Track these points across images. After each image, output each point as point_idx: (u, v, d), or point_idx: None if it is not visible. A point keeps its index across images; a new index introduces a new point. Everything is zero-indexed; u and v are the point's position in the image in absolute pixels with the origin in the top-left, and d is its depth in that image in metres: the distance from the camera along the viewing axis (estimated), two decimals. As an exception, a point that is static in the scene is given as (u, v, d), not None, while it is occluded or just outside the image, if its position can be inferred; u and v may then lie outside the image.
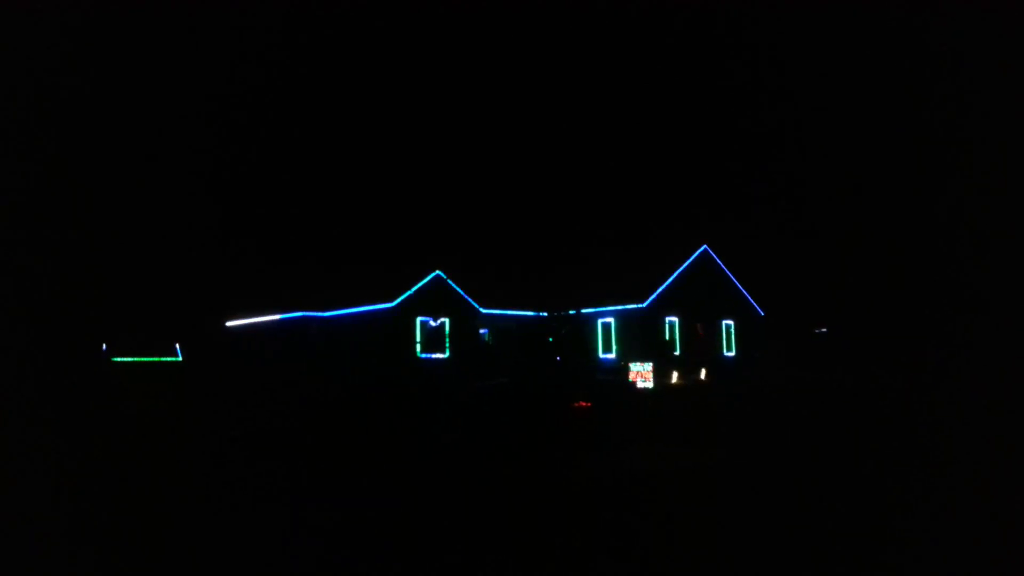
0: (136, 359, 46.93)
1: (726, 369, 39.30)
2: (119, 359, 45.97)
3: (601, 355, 38.98)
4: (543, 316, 36.50)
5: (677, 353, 38.59)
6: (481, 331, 38.89)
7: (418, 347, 36.22)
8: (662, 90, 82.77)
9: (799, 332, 46.53)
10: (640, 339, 37.06)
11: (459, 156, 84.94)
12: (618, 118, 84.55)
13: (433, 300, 36.76)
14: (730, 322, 42.54)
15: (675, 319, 39.56)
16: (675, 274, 39.59)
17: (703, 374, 37.50)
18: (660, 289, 38.65)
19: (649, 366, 26.89)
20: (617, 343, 38.73)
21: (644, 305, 37.79)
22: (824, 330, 47.63)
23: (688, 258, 40.66)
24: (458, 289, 37.66)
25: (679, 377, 36.31)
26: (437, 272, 37.20)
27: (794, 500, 12.38)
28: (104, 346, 47.22)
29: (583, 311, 36.72)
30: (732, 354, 41.37)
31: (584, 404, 23.15)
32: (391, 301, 35.63)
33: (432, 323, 36.65)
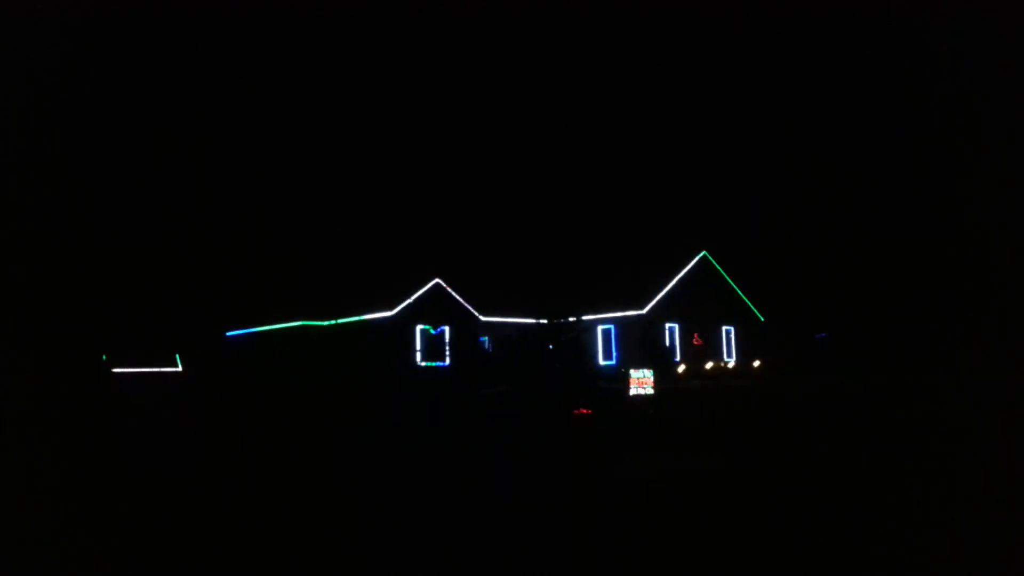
0: (136, 370, 46.89)
1: (726, 376, 39.27)
2: (119, 370, 45.94)
3: (601, 362, 38.97)
4: (543, 324, 36.50)
5: (677, 359, 38.58)
6: (481, 339, 38.88)
7: (418, 355, 36.21)
8: (661, 95, 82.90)
9: (799, 338, 46.50)
10: (640, 346, 37.04)
11: (459, 164, 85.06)
12: (617, 125, 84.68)
13: (433, 308, 36.76)
14: (730, 328, 42.54)
15: (675, 326, 39.56)
16: (674, 280, 39.60)
17: (702, 381, 37.48)
18: (659, 296, 38.66)
19: (649, 373, 26.88)
20: (617, 350, 38.72)
21: (644, 312, 37.80)
22: (824, 335, 47.59)
23: (687, 264, 40.67)
24: (458, 297, 37.66)
25: (679, 383, 36.28)
26: (436, 280, 37.21)
27: (790, 505, 12.36)
28: (104, 357, 47.20)
29: (583, 318, 36.71)
30: (733, 360, 41.34)
31: (585, 412, 23.16)
32: (391, 309, 35.63)
33: (432, 331, 36.65)
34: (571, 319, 34.47)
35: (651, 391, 26.65)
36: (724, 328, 42.24)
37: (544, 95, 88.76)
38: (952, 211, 49.48)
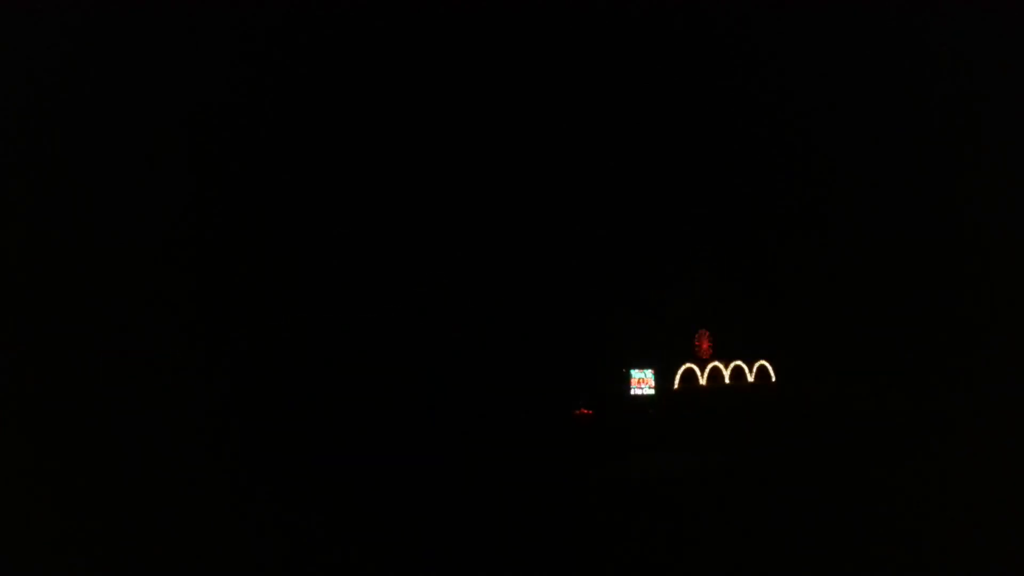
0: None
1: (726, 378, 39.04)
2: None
3: (603, 363, 38.77)
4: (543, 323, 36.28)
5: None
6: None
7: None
8: (660, 98, 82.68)
9: (800, 341, 46.13)
10: (642, 347, 36.85)
11: (458, 164, 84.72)
12: (617, 125, 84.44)
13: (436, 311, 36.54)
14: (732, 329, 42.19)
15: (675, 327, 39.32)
16: (674, 281, 39.38)
17: (703, 381, 37.30)
18: (659, 296, 38.44)
19: (650, 373, 26.82)
20: (618, 351, 38.50)
21: (644, 312, 37.60)
22: (828, 335, 47.19)
23: (687, 265, 40.42)
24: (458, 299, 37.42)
25: (679, 384, 36.13)
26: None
27: (789, 505, 12.32)
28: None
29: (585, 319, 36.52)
30: (735, 362, 41.09)
31: (586, 411, 23.12)
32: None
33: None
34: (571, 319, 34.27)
35: (651, 391, 26.60)
36: (726, 329, 41.90)
37: (544, 97, 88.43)
38: (953, 212, 49.15)
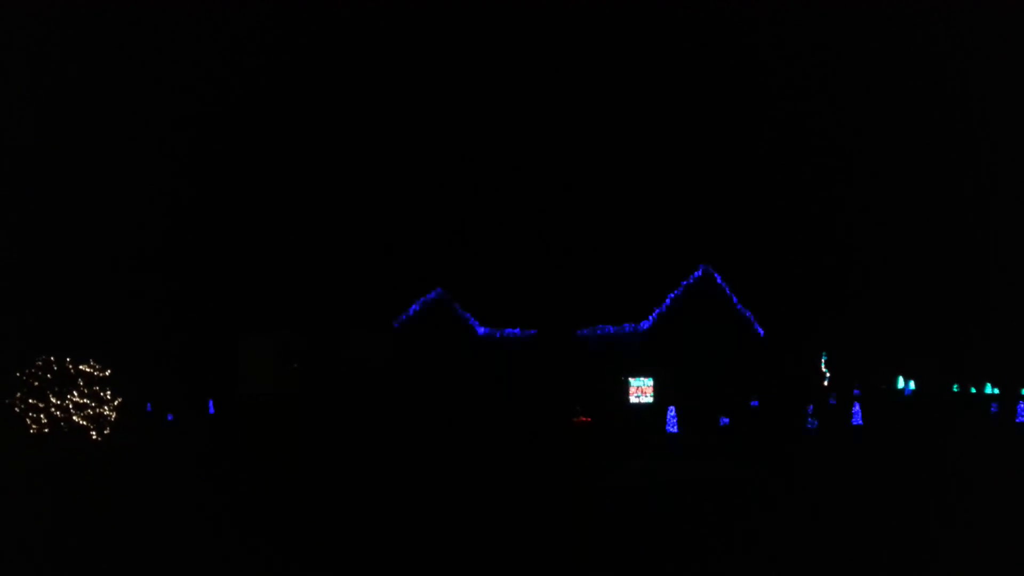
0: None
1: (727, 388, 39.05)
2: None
3: (602, 372, 38.83)
4: (545, 334, 36.39)
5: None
6: (481, 350, 38.68)
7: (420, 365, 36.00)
8: (660, 104, 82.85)
9: (801, 352, 46.14)
10: (640, 356, 36.93)
11: (456, 169, 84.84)
12: (617, 135, 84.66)
13: (431, 319, 36.54)
14: (731, 342, 42.23)
15: (676, 337, 39.38)
16: (675, 292, 39.50)
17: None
18: (661, 308, 38.54)
19: (649, 382, 26.88)
20: (618, 360, 38.58)
21: (646, 323, 37.71)
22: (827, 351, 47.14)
23: (688, 278, 40.52)
24: (457, 307, 37.49)
25: (679, 393, 36.15)
26: (438, 289, 37.05)
27: (785, 513, 12.32)
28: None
29: (584, 328, 36.63)
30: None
31: (584, 419, 23.15)
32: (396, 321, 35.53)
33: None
34: (573, 329, 34.40)
35: (651, 400, 26.64)
36: (725, 341, 41.95)
37: (545, 104, 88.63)
38: (956, 217, 49.12)
